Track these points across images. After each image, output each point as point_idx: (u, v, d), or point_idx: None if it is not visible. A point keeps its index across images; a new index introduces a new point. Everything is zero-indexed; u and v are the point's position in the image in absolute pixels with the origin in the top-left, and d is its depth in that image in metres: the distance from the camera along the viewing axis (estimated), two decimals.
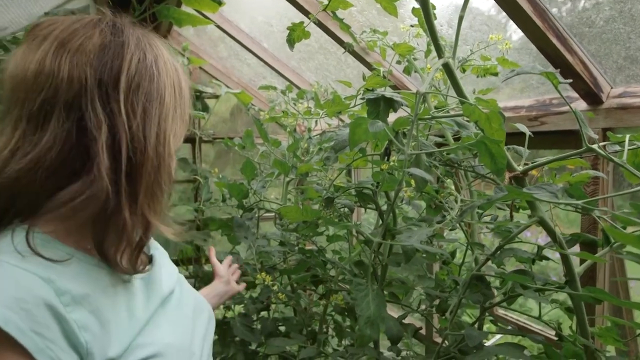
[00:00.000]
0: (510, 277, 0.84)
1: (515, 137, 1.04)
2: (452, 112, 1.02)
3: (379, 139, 0.82)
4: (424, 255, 1.23)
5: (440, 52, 0.87)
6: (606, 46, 1.08)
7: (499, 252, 0.88)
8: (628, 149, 0.73)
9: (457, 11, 1.32)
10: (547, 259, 0.91)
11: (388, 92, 0.93)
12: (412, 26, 1.30)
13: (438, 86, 1.34)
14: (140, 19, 2.10)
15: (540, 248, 0.92)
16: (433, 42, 0.87)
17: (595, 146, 0.79)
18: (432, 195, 0.99)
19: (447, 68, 0.89)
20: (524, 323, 1.62)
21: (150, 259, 0.72)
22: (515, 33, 1.38)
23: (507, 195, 0.68)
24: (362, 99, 1.23)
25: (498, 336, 1.89)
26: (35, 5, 1.73)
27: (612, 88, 1.19)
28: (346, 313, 1.70)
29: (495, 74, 1.33)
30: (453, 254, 1.35)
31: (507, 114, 1.47)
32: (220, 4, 1.72)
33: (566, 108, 1.27)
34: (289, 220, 1.63)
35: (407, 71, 1.41)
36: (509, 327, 1.63)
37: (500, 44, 1.20)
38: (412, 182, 0.87)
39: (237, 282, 1.23)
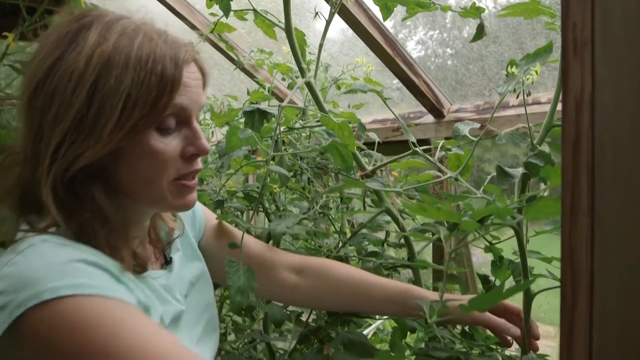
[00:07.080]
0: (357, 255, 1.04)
1: (385, 146, 1.28)
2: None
3: (251, 144, 0.97)
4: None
5: (303, 74, 1.05)
6: (442, 72, 1.35)
7: (353, 237, 1.08)
8: (441, 153, 0.97)
9: (327, 38, 1.53)
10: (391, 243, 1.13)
11: (263, 106, 1.10)
12: None
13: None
14: (31, 29, 2.08)
15: (387, 233, 1.13)
16: (297, 65, 1.06)
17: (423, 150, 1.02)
18: (300, 191, 1.16)
19: (309, 86, 1.07)
20: None
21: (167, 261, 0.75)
22: None
23: (344, 185, 0.87)
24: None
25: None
26: None
27: (451, 105, 1.46)
28: (243, 312, 1.81)
29: (365, 92, 1.56)
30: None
31: (377, 126, 1.71)
32: None
33: (419, 121, 1.53)
34: None
35: (290, 87, 1.60)
36: None
37: (365, 66, 1.43)
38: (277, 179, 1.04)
39: None
